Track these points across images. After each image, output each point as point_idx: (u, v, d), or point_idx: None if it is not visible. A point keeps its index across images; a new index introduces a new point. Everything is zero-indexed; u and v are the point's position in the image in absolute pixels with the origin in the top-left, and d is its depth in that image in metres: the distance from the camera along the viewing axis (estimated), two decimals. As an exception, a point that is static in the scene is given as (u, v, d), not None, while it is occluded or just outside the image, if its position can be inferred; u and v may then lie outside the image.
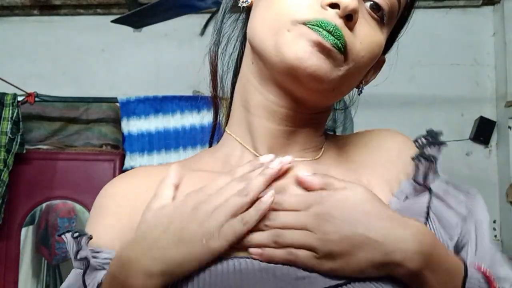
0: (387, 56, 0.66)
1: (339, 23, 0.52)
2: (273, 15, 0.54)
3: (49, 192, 2.45)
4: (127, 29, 2.53)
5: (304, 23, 0.52)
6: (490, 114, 2.78)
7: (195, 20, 2.48)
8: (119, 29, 2.35)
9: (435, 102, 2.78)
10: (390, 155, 0.63)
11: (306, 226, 0.49)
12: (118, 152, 2.51)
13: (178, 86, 2.60)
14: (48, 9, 2.97)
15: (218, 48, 0.66)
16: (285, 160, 0.56)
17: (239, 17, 0.66)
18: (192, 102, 2.41)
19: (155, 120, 2.48)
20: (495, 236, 2.72)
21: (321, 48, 0.51)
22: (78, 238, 0.55)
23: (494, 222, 2.72)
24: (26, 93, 2.40)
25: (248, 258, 0.51)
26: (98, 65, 2.95)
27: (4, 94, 2.37)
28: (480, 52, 2.83)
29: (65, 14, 2.99)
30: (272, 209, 0.51)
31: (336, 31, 0.51)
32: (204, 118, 2.41)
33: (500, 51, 2.77)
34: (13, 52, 2.98)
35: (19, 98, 2.39)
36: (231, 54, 0.67)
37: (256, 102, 0.60)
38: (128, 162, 2.45)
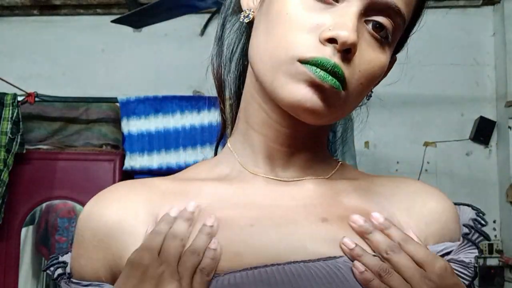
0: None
1: (337, 58, 0.50)
2: (272, 48, 0.53)
3: (49, 192, 2.45)
4: (127, 29, 2.53)
5: (302, 62, 0.51)
6: (490, 114, 2.78)
7: (195, 20, 2.49)
8: (119, 29, 2.35)
9: (435, 102, 2.78)
10: (433, 212, 0.60)
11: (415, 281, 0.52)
12: (118, 152, 2.51)
13: (178, 86, 2.61)
14: (48, 9, 2.97)
15: (221, 58, 0.65)
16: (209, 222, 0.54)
17: (240, 26, 0.64)
18: (192, 102, 2.41)
19: (155, 120, 2.48)
20: (495, 236, 2.72)
21: (319, 90, 0.51)
22: (59, 280, 0.56)
23: (494, 222, 2.72)
24: (26, 93, 2.40)
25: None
26: (98, 65, 2.96)
27: (4, 94, 2.37)
28: (480, 52, 2.83)
29: (65, 14, 3.00)
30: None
31: (334, 69, 0.50)
32: (204, 118, 2.41)
33: (500, 51, 2.77)
34: (13, 52, 2.98)
35: (19, 98, 2.39)
36: (234, 62, 0.65)
37: (260, 120, 0.59)
38: (128, 162, 2.45)
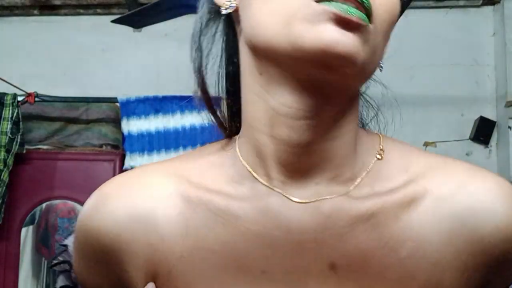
0: (385, 56, 0.58)
1: None
2: (278, 1, 0.43)
3: (49, 192, 2.45)
4: (127, 29, 2.53)
5: (318, 0, 0.41)
6: (490, 114, 2.78)
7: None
8: (119, 29, 2.35)
9: (435, 102, 2.78)
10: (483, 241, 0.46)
11: None
12: (118, 152, 2.51)
13: (178, 86, 2.60)
14: (48, 9, 2.97)
15: (205, 72, 0.57)
16: None
17: (215, 31, 0.56)
18: (192, 102, 2.42)
19: (155, 120, 2.48)
20: (495, 236, 2.72)
21: (348, 26, 0.41)
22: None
23: (494, 222, 2.72)
24: (26, 93, 2.41)
25: None
26: (98, 65, 2.95)
27: (4, 94, 2.37)
28: (480, 52, 2.83)
29: (65, 14, 2.99)
30: None
31: None
32: (204, 118, 2.42)
33: (500, 51, 2.77)
34: (13, 52, 2.98)
35: (19, 98, 2.39)
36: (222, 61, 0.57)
37: (267, 119, 0.47)
38: (128, 162, 2.45)
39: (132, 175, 0.55)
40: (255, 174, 0.49)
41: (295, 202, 0.48)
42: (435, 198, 0.47)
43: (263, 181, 0.49)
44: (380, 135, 0.54)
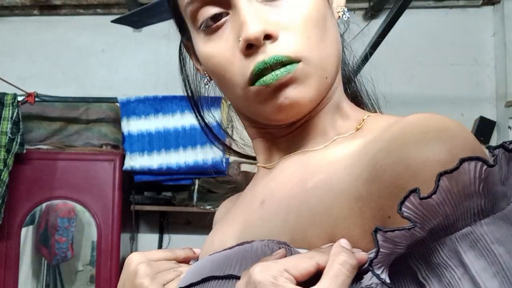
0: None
1: (268, 50, 0.49)
2: (231, 91, 0.54)
3: (49, 192, 2.45)
4: (127, 29, 2.53)
5: (251, 84, 0.51)
6: (490, 114, 2.78)
7: (195, 20, 2.48)
8: (119, 29, 2.35)
9: (435, 102, 2.78)
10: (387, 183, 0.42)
11: None
12: (118, 152, 2.51)
13: (178, 86, 2.60)
14: (48, 9, 2.97)
15: (191, 84, 0.67)
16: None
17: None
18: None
19: (155, 120, 2.48)
20: (495, 236, 2.72)
21: (284, 86, 0.50)
22: None
23: (494, 222, 2.72)
24: (26, 93, 2.41)
25: None
26: (98, 65, 2.95)
27: (4, 94, 2.37)
28: (480, 52, 2.83)
29: (65, 14, 3.00)
30: None
31: (273, 61, 0.49)
32: (204, 118, 2.41)
33: (500, 51, 2.77)
34: (13, 52, 2.98)
35: (19, 98, 2.39)
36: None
37: (254, 132, 0.61)
38: (128, 162, 2.45)
39: None
40: (260, 161, 0.62)
41: (268, 168, 0.60)
42: (361, 141, 0.49)
43: (261, 164, 0.61)
44: (373, 112, 0.61)
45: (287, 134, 0.57)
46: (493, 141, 2.77)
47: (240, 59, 0.51)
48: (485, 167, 0.37)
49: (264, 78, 0.49)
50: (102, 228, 2.41)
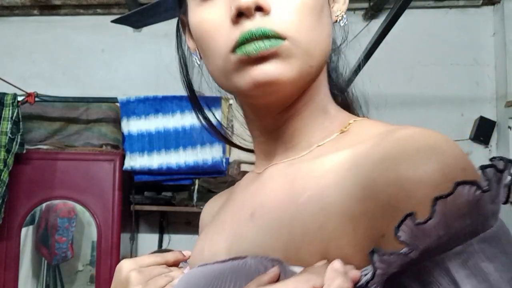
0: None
1: (256, 21, 0.49)
2: (213, 61, 0.53)
3: (49, 192, 2.45)
4: (127, 29, 2.53)
5: (232, 51, 0.50)
6: (490, 114, 2.78)
7: (195, 20, 2.48)
8: (119, 29, 2.35)
9: (435, 102, 2.78)
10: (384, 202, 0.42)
11: None
12: (118, 152, 2.51)
13: (178, 86, 2.60)
14: (48, 9, 2.97)
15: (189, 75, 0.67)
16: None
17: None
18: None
19: (155, 120, 2.48)
20: (495, 236, 2.72)
21: (263, 60, 0.49)
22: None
23: (494, 222, 2.72)
24: (26, 93, 2.41)
25: None
26: (98, 65, 2.95)
27: (4, 94, 2.37)
28: (480, 52, 2.83)
29: (65, 14, 3.00)
30: None
31: (258, 33, 0.48)
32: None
33: (500, 51, 2.77)
34: (13, 52, 2.98)
35: (19, 98, 2.39)
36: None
37: (250, 126, 0.62)
38: (128, 162, 2.45)
39: None
40: (255, 165, 0.63)
41: (257, 173, 0.61)
42: (351, 153, 0.48)
43: (254, 170, 0.63)
44: (360, 117, 0.60)
45: (274, 131, 0.57)
46: (493, 141, 2.77)
47: (229, 27, 0.50)
48: (479, 191, 0.38)
49: (247, 47, 0.49)
50: (102, 228, 2.41)
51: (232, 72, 0.51)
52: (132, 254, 2.71)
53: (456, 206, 0.38)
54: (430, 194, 0.38)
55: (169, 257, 0.62)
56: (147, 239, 2.85)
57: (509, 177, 0.42)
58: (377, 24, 2.12)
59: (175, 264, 0.62)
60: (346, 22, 0.58)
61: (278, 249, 0.48)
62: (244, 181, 0.65)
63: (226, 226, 0.59)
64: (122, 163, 2.46)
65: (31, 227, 2.53)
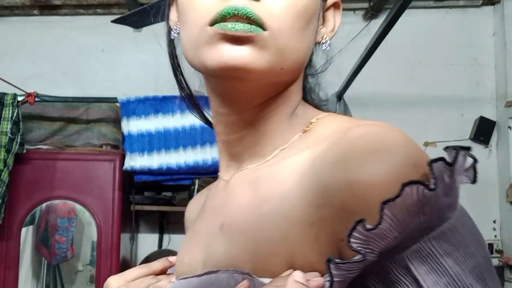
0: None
1: (243, 2, 0.46)
2: (189, 31, 0.50)
3: (49, 192, 2.45)
4: (127, 29, 2.53)
5: (211, 24, 0.47)
6: (490, 114, 2.78)
7: (195, 20, 2.49)
8: (119, 29, 2.35)
9: (435, 102, 2.78)
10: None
11: None
12: (118, 152, 2.51)
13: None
14: (48, 9, 2.97)
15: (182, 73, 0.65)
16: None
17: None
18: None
19: (155, 120, 2.48)
20: (495, 236, 2.72)
21: (237, 41, 0.46)
22: None
23: (494, 222, 2.72)
24: (26, 93, 2.41)
25: None
26: (98, 65, 2.96)
27: (4, 94, 2.37)
28: (480, 52, 2.83)
29: (65, 14, 3.00)
30: None
31: (242, 12, 0.46)
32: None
33: (500, 51, 2.77)
34: (13, 52, 2.98)
35: (19, 98, 2.39)
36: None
37: (215, 120, 0.58)
38: (128, 162, 2.45)
39: None
40: (220, 167, 0.62)
41: (224, 180, 0.59)
42: (309, 154, 0.47)
43: (220, 173, 0.62)
44: (325, 114, 0.57)
45: (239, 131, 0.55)
46: (493, 141, 2.77)
47: (216, 0, 0.48)
48: (426, 190, 0.38)
49: (226, 23, 0.46)
50: (102, 228, 2.41)
51: (204, 44, 0.48)
52: (132, 254, 2.72)
53: (406, 207, 0.38)
54: (382, 197, 0.38)
55: (156, 266, 0.62)
56: (147, 239, 2.85)
57: (470, 159, 0.42)
58: (377, 24, 2.12)
59: (163, 271, 0.62)
60: (327, 48, 0.56)
61: (247, 261, 0.48)
62: (215, 187, 0.64)
63: (200, 236, 0.58)
64: (122, 163, 2.46)
65: (31, 227, 2.53)
